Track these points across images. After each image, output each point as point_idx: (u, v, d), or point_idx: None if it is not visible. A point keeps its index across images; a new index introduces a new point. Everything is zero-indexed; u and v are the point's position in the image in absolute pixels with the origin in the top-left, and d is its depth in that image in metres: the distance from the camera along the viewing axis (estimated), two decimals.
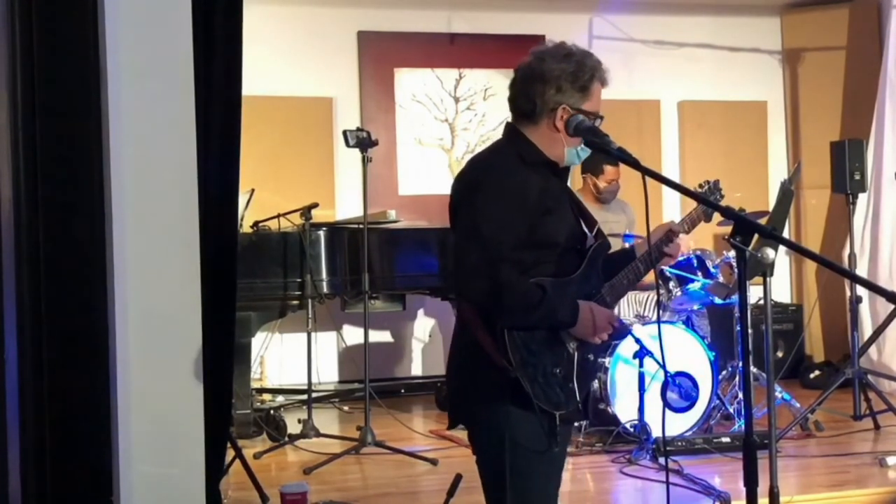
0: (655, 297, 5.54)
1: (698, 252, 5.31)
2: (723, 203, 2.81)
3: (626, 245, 5.25)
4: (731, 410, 5.33)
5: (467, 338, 2.54)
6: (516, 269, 2.43)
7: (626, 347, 4.86)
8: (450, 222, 2.57)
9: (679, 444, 4.78)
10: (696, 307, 5.42)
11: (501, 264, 2.39)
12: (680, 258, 5.31)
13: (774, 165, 7.74)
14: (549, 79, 2.51)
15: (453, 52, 7.32)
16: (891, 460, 4.48)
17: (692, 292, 5.19)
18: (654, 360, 4.60)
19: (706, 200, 2.61)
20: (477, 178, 2.53)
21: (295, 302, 5.51)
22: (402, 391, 6.90)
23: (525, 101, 2.56)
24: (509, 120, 2.65)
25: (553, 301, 2.44)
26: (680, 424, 4.96)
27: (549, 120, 2.54)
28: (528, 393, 2.43)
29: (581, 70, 2.53)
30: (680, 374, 4.97)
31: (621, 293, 2.68)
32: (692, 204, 2.81)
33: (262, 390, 6.52)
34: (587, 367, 2.58)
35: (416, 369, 7.31)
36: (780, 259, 7.52)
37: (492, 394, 2.47)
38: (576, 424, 4.90)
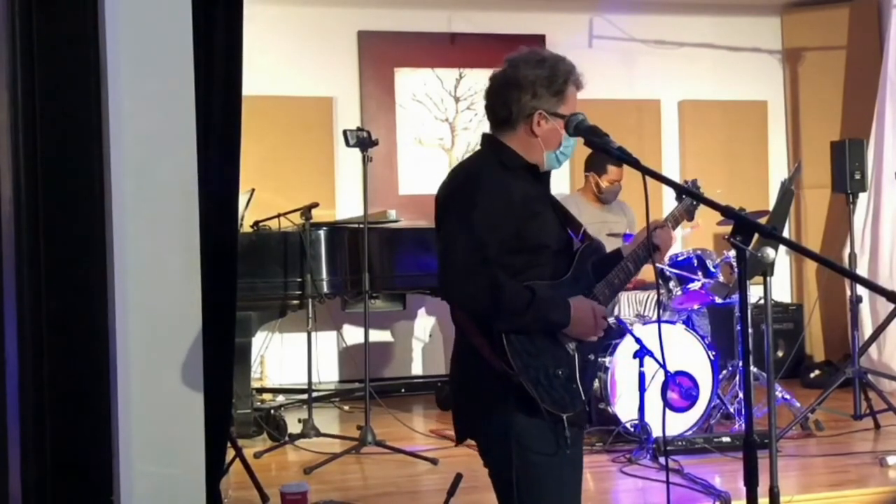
0: (656, 297, 5.54)
1: (699, 252, 5.31)
2: None
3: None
4: (732, 410, 5.33)
5: (467, 347, 2.53)
6: (505, 273, 2.42)
7: (627, 347, 4.86)
8: (436, 229, 2.57)
9: (679, 443, 4.78)
10: (696, 307, 5.42)
11: (488, 268, 2.39)
12: (676, 253, 5.33)
13: (775, 165, 7.74)
14: (524, 85, 2.53)
15: (453, 52, 7.32)
16: (891, 460, 4.48)
17: (692, 292, 5.19)
18: (655, 359, 4.59)
19: (707, 200, 2.60)
20: (460, 184, 2.53)
21: (295, 301, 5.51)
22: (403, 391, 6.91)
23: (501, 108, 2.57)
24: (486, 131, 2.66)
25: (543, 303, 2.43)
26: (680, 424, 4.96)
27: (527, 126, 2.55)
28: (532, 397, 2.42)
29: (555, 75, 2.54)
30: (680, 373, 4.97)
31: (613, 293, 2.67)
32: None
33: (262, 390, 6.52)
34: (588, 367, 2.57)
35: (417, 369, 7.31)
36: (781, 259, 7.52)
37: (496, 403, 2.46)
38: (584, 426, 4.91)
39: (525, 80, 2.53)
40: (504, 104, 2.56)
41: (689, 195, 2.66)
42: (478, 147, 2.70)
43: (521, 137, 2.57)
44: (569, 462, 2.55)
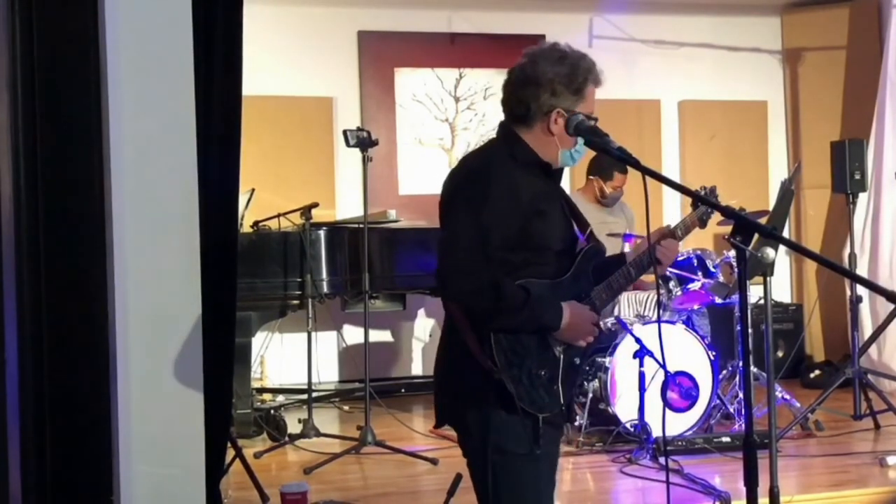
0: (655, 297, 5.54)
1: (698, 252, 5.31)
2: None
3: (627, 245, 5.25)
4: (732, 410, 5.33)
5: (455, 339, 2.52)
6: (502, 270, 2.41)
7: (627, 347, 4.86)
8: (439, 220, 2.55)
9: (679, 443, 4.78)
10: (696, 307, 5.42)
11: (486, 264, 2.38)
12: (676, 263, 5.32)
13: (774, 165, 7.75)
14: (543, 83, 2.50)
15: (453, 52, 7.32)
16: (891, 460, 4.48)
17: (692, 292, 5.19)
18: (654, 359, 4.59)
19: (704, 199, 2.59)
20: (467, 176, 2.52)
21: (295, 302, 5.51)
22: (403, 391, 6.90)
23: (518, 105, 2.54)
24: (503, 120, 2.63)
25: (537, 304, 2.43)
26: (680, 424, 4.96)
27: (543, 123, 2.52)
28: (511, 394, 2.42)
29: (575, 73, 2.51)
30: (680, 373, 4.97)
31: (611, 297, 2.66)
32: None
33: (262, 390, 6.52)
34: (573, 370, 2.57)
35: (417, 369, 7.31)
36: (781, 259, 7.52)
37: (476, 397, 2.46)
38: (576, 424, 4.92)
39: (544, 78, 2.49)
40: (521, 101, 2.53)
41: (689, 195, 2.64)
42: (490, 137, 2.67)
43: (536, 134, 2.54)
44: (543, 460, 2.55)
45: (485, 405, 2.45)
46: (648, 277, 5.72)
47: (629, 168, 2.47)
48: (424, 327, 7.32)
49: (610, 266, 2.67)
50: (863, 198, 6.36)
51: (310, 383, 5.43)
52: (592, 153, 2.64)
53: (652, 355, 4.61)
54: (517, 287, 2.42)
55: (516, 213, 2.44)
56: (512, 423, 2.45)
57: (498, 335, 2.42)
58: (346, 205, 7.01)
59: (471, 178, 2.49)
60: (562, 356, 2.52)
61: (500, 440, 2.46)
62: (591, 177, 5.84)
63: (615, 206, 5.95)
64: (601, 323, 2.63)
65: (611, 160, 5.65)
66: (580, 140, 2.53)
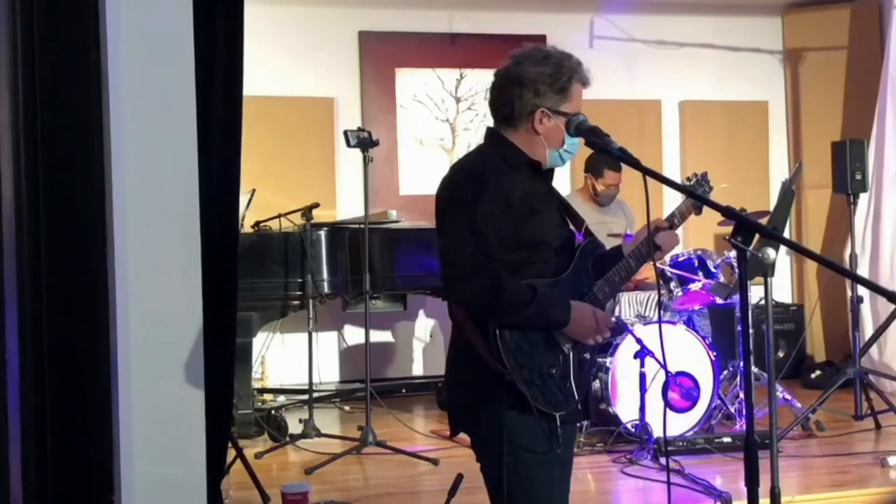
0: (656, 298, 5.54)
1: (699, 252, 5.31)
2: (710, 195, 2.79)
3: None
4: (733, 410, 5.33)
5: (462, 342, 2.53)
6: (504, 270, 2.42)
7: (627, 347, 4.86)
8: (436, 227, 2.56)
9: (680, 444, 4.78)
10: (697, 307, 5.42)
11: (488, 264, 2.39)
12: (676, 253, 5.32)
13: (775, 165, 7.75)
14: (526, 82, 2.51)
15: (454, 52, 7.32)
16: (892, 460, 4.48)
17: (693, 292, 5.19)
18: (655, 360, 4.59)
19: (707, 200, 2.59)
20: (460, 180, 2.53)
21: (296, 302, 5.51)
22: (403, 391, 6.91)
23: (504, 105, 2.56)
24: (490, 125, 2.65)
25: (545, 301, 2.43)
26: (681, 424, 4.96)
27: (528, 123, 2.54)
28: (525, 395, 2.42)
29: (559, 72, 2.52)
30: (681, 374, 4.97)
31: (613, 291, 2.66)
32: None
33: (263, 390, 6.53)
34: (584, 367, 2.57)
35: (417, 369, 7.31)
36: (782, 259, 7.52)
37: (489, 399, 2.46)
38: (577, 424, 4.92)
39: (527, 78, 2.51)
40: (507, 101, 2.55)
41: (692, 196, 2.65)
42: (481, 142, 2.69)
43: (522, 135, 2.56)
44: (559, 461, 2.55)
45: (498, 406, 2.45)
46: (650, 277, 5.75)
47: (627, 168, 2.47)
48: (425, 328, 7.32)
49: (607, 261, 2.68)
50: (864, 198, 6.37)
51: (311, 383, 5.43)
52: (578, 156, 2.64)
53: (653, 355, 4.61)
54: (522, 285, 2.43)
55: (510, 213, 2.45)
56: (528, 424, 2.45)
57: (504, 336, 2.42)
58: (347, 205, 7.01)
59: (465, 181, 2.51)
60: (571, 353, 2.52)
61: (515, 441, 2.45)
62: (585, 174, 5.86)
63: (614, 206, 5.95)
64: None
65: (602, 157, 5.72)
66: (568, 140, 2.55)
